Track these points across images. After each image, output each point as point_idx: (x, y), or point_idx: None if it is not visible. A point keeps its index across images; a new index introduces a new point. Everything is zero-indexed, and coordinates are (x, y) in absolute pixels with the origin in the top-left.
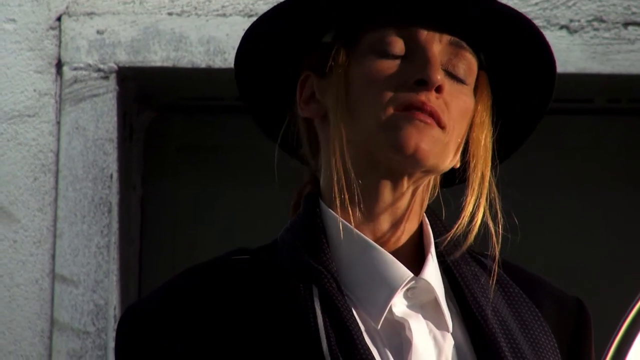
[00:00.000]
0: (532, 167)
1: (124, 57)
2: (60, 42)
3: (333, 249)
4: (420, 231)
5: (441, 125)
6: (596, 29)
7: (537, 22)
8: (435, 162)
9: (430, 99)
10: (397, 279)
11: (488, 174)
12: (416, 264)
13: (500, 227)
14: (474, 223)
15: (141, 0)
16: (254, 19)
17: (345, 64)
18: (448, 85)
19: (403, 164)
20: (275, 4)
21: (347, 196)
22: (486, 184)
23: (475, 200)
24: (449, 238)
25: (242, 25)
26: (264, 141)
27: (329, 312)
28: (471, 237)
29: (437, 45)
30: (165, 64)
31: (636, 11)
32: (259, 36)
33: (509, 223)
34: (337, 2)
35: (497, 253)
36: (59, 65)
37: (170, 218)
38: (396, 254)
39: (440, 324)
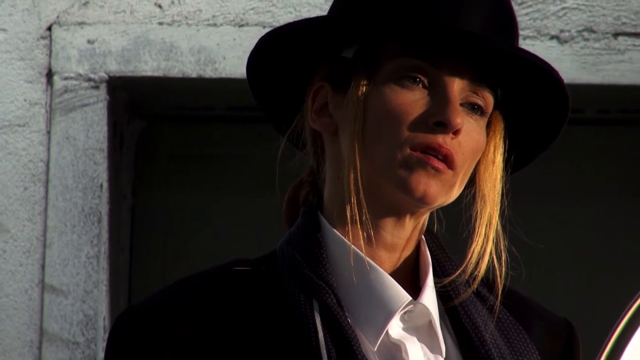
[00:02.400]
0: (520, 176)
1: (114, 67)
2: (50, 51)
3: (332, 264)
4: (417, 253)
5: (452, 168)
6: (586, 39)
7: (528, 33)
8: (440, 202)
9: (447, 141)
10: (396, 301)
11: (496, 216)
12: (411, 285)
13: (504, 265)
14: (478, 269)
15: (132, 9)
16: (245, 28)
17: (365, 90)
18: (464, 125)
19: (408, 204)
20: (263, 14)
21: (356, 223)
22: (493, 226)
23: (482, 243)
24: (452, 277)
25: (233, 35)
26: (254, 150)
27: (330, 327)
28: (477, 281)
29: (459, 81)
30: (156, 74)
31: (626, 21)
32: (280, 36)
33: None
34: (363, 23)
35: (499, 291)
36: (50, 74)
37: (161, 228)
38: (392, 275)
39: (434, 348)
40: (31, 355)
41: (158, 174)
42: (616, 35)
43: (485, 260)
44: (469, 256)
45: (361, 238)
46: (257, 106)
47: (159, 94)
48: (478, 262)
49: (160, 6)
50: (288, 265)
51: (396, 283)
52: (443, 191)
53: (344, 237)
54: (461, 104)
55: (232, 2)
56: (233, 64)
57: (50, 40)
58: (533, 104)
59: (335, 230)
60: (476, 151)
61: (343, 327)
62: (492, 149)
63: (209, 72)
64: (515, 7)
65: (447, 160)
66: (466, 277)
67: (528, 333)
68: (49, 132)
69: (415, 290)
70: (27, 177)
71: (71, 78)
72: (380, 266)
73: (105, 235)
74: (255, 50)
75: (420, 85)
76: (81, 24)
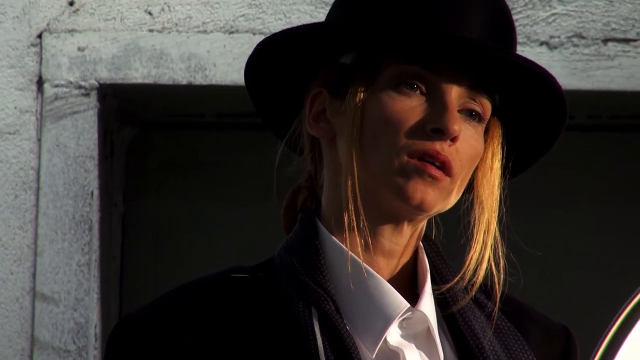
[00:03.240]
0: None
1: (105, 74)
2: (41, 59)
3: (330, 271)
4: (415, 260)
5: (450, 175)
6: (576, 45)
7: (517, 39)
8: (438, 210)
9: (444, 147)
10: (394, 308)
11: (494, 223)
12: (410, 292)
13: (502, 271)
14: (476, 276)
15: (122, 17)
16: (235, 35)
17: (363, 96)
18: (462, 131)
19: (406, 212)
20: (253, 21)
21: (353, 229)
22: (491, 233)
23: (480, 250)
24: (450, 284)
25: (223, 42)
26: (245, 157)
27: (329, 335)
28: (475, 288)
29: (457, 88)
30: (146, 81)
31: (616, 27)
32: (278, 42)
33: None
34: (362, 30)
35: (497, 297)
36: (40, 82)
37: (152, 235)
38: (390, 282)
39: (432, 355)
40: None
41: (149, 181)
42: (606, 41)
43: (483, 267)
44: (467, 263)
45: (359, 245)
46: (255, 111)
47: (150, 101)
48: (476, 268)
49: (150, 13)
50: (286, 272)
51: (394, 290)
52: (440, 198)
53: (342, 244)
54: (459, 111)
55: (222, 9)
56: (223, 70)
57: (41, 47)
58: (531, 110)
59: (333, 237)
60: (474, 158)
61: (342, 335)
62: (489, 155)
63: (199, 79)
64: None
65: (445, 168)
66: (464, 284)
67: (526, 339)
68: (39, 140)
69: (413, 297)
70: (18, 184)
71: (62, 85)
72: (378, 273)
73: (96, 243)
74: (253, 56)
75: (418, 92)
76: (71, 31)
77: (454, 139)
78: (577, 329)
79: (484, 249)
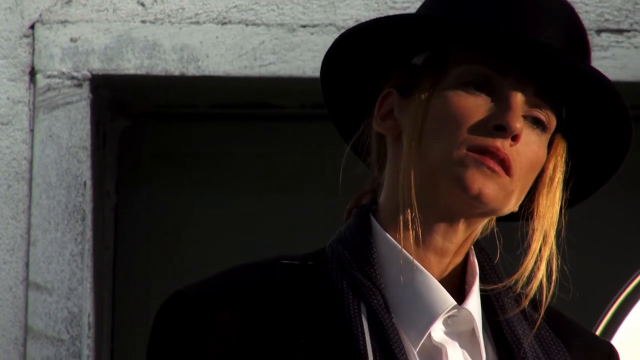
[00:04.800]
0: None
1: (97, 65)
2: (33, 50)
3: (381, 265)
4: (465, 262)
5: (509, 174)
6: None
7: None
8: (496, 207)
9: (505, 145)
10: (441, 304)
11: (552, 235)
12: (457, 292)
13: (552, 285)
14: (530, 287)
15: (115, 8)
16: (228, 26)
17: (429, 93)
18: (524, 134)
19: (464, 204)
20: (246, 12)
21: (407, 224)
22: (549, 245)
23: (536, 260)
24: (499, 285)
25: (216, 33)
26: (237, 148)
27: (377, 333)
28: (527, 299)
29: (524, 93)
30: (139, 72)
31: (609, 18)
32: (351, 43)
33: None
34: (434, 29)
35: (543, 308)
36: (33, 73)
37: (145, 226)
38: (439, 281)
39: (474, 355)
40: (16, 352)
41: (141, 172)
42: (599, 31)
43: (538, 278)
44: (520, 271)
45: (411, 241)
46: (327, 111)
47: (142, 92)
48: (529, 279)
49: (143, 4)
50: (337, 263)
51: (442, 287)
52: (500, 195)
53: (394, 240)
54: (523, 116)
55: (214, 0)
56: (216, 61)
57: (33, 38)
58: (595, 132)
59: (386, 233)
60: (535, 164)
61: (387, 329)
62: (552, 166)
63: (191, 70)
64: None
65: (504, 165)
66: (515, 293)
67: (570, 352)
68: (32, 131)
69: (460, 297)
70: (11, 175)
71: (54, 76)
72: (429, 270)
73: (89, 233)
74: (331, 51)
75: (485, 92)
76: (64, 22)
77: (515, 139)
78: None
79: (540, 261)
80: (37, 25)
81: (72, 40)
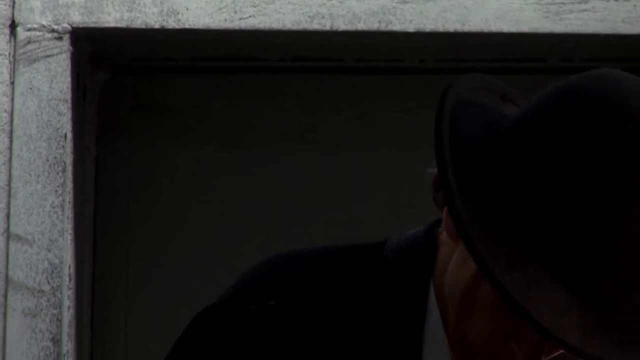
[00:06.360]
0: None
1: (77, 18)
2: (14, 2)
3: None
4: None
5: None
6: None
7: None
8: None
9: None
10: None
11: None
12: None
13: None
14: None
15: None
16: None
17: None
18: None
19: None
20: None
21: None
22: None
23: None
24: None
25: None
26: (217, 102)
27: None
28: None
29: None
30: (119, 25)
31: None
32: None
33: None
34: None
35: None
36: (13, 26)
37: (125, 178)
38: None
39: None
40: None
41: (121, 125)
42: None
43: None
44: None
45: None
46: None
47: (122, 45)
48: None
49: None
50: (389, 296)
51: None
52: None
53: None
54: None
55: None
56: (196, 14)
57: None
58: None
59: (438, 313)
60: None
61: None
62: None
63: (171, 23)
64: None
65: None
66: None
67: None
68: (12, 83)
69: None
70: None
71: (34, 29)
72: None
73: (69, 185)
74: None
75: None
76: None
77: None
78: None
79: None
80: None
81: None
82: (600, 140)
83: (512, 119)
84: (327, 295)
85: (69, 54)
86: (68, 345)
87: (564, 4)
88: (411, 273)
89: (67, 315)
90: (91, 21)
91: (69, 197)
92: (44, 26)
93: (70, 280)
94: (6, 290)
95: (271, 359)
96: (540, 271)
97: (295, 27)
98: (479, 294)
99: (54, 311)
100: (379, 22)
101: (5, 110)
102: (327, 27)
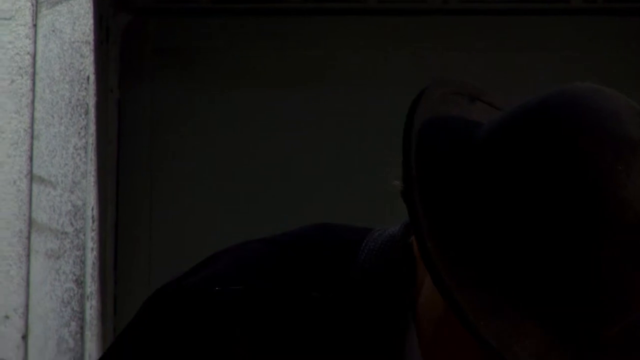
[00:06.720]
0: (513, 68)
1: None
2: None
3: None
4: None
5: None
6: None
7: None
8: None
9: None
10: None
11: None
12: None
13: None
14: None
15: None
16: None
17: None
18: None
19: None
20: None
21: None
22: None
23: None
24: None
25: None
26: (238, 44)
27: None
28: None
29: None
30: None
31: None
32: None
33: None
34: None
35: None
36: None
37: (147, 120)
38: None
39: None
40: (20, 245)
41: (144, 67)
42: None
43: None
44: None
45: None
46: None
47: None
48: None
49: None
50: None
51: None
52: None
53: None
54: None
55: None
56: None
57: None
58: None
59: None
60: None
61: None
62: None
63: None
64: None
65: None
66: None
67: None
68: (35, 25)
69: None
70: (14, 70)
71: None
72: None
73: (92, 127)
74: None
75: None
76: None
77: None
78: None
79: None
80: None
81: None
82: (571, 171)
83: (481, 139)
84: (300, 291)
85: None
86: (92, 287)
87: None
88: (389, 284)
89: (91, 256)
90: None
91: (91, 139)
92: None
93: (93, 221)
94: (29, 233)
95: (235, 346)
96: (517, 313)
97: None
98: (452, 327)
99: (78, 253)
100: None
101: (28, 53)
102: None
